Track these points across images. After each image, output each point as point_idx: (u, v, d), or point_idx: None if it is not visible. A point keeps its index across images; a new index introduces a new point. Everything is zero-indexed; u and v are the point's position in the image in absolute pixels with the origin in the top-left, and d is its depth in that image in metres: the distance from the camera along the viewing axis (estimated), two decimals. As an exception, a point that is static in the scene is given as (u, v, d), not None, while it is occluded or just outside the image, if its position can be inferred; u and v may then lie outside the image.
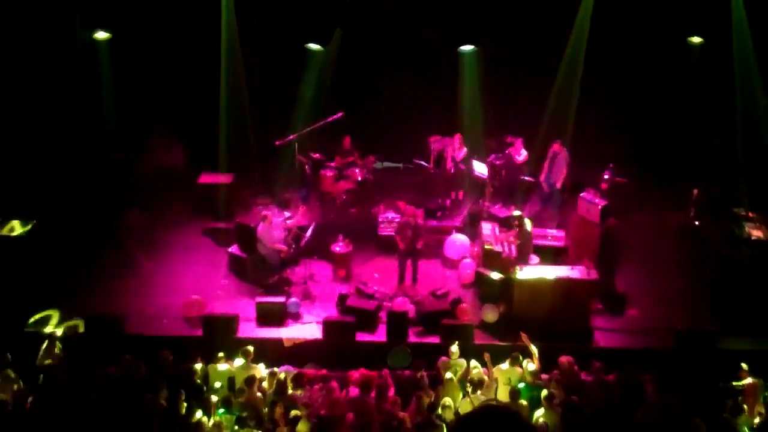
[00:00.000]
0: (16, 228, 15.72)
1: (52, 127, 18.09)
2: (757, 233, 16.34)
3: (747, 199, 17.30)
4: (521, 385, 12.63)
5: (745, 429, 12.00)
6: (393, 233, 16.47)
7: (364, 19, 18.74)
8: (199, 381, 12.81)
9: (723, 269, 16.14)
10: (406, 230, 16.06)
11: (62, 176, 18.06)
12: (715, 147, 18.60)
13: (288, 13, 18.34)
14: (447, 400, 11.96)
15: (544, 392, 12.09)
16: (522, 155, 17.94)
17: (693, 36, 18.20)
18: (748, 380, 12.87)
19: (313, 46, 17.74)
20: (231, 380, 12.72)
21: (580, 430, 11.60)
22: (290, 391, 12.45)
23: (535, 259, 15.92)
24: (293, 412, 11.67)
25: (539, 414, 11.82)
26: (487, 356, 13.12)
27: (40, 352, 13.47)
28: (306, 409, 11.97)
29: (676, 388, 12.73)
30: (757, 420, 12.29)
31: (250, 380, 12.43)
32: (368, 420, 11.70)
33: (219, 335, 14.43)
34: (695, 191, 17.76)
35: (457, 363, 13.23)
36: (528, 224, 15.90)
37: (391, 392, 12.60)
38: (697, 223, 17.60)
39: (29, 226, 15.83)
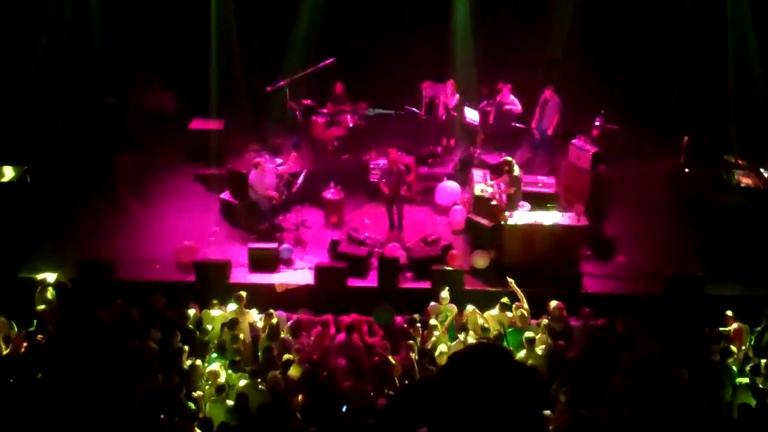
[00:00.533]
0: (7, 173, 15.67)
1: (41, 71, 17.94)
2: (746, 180, 16.43)
3: (737, 146, 17.33)
4: (509, 330, 12.80)
5: (734, 369, 12.20)
6: (376, 180, 16.51)
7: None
8: (191, 326, 12.94)
9: (712, 216, 16.23)
10: (391, 177, 16.10)
11: (53, 121, 17.96)
12: (709, 93, 18.56)
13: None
14: (442, 347, 12.12)
15: (527, 334, 12.27)
16: (510, 101, 17.87)
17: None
18: (734, 325, 13.07)
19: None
20: (231, 323, 12.82)
21: (565, 374, 11.79)
22: (283, 335, 12.59)
23: (526, 205, 15.98)
24: (286, 356, 11.83)
25: (521, 356, 11.99)
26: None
27: (35, 298, 13.56)
28: (298, 353, 12.12)
29: (663, 333, 12.94)
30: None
31: (233, 323, 12.57)
32: (359, 364, 11.87)
33: (211, 281, 14.53)
34: (686, 138, 17.76)
35: (446, 308, 13.37)
36: (517, 169, 15.95)
37: (379, 337, 12.78)
38: (687, 169, 17.64)
39: (20, 172, 15.76)
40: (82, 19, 18.23)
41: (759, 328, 13.13)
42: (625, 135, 18.09)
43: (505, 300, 13.42)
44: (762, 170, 16.62)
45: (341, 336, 12.68)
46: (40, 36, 17.97)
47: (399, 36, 19.21)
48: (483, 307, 13.48)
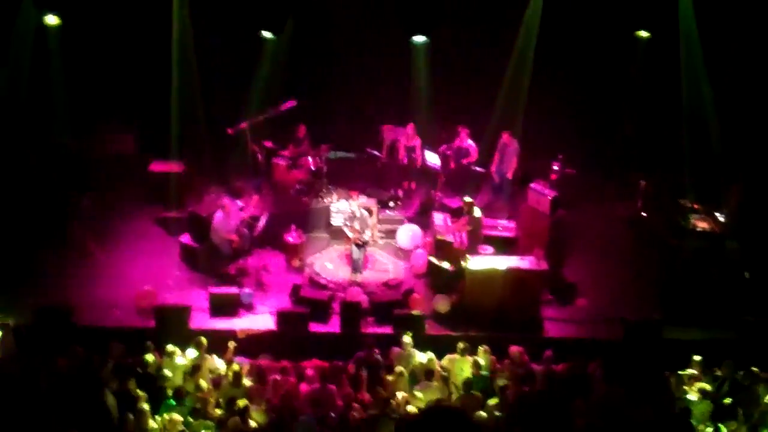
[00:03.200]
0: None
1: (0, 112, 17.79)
2: (702, 224, 16.64)
3: (693, 190, 17.62)
4: (465, 376, 12.82)
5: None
6: (342, 224, 16.54)
7: (317, 8, 18.74)
8: (152, 372, 12.78)
9: (669, 260, 16.45)
10: (354, 221, 16.17)
11: (12, 162, 17.75)
12: (664, 138, 18.87)
13: (241, 0, 18.22)
14: (400, 395, 12.09)
15: (500, 382, 12.28)
16: (467, 145, 18.04)
17: (640, 30, 18.41)
18: (693, 371, 13.18)
19: (266, 35, 17.64)
20: (193, 369, 12.68)
21: (530, 419, 11.82)
22: (245, 382, 12.47)
23: (488, 249, 16.09)
24: (241, 402, 11.69)
25: (493, 403, 12.00)
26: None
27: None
28: (262, 401, 12.01)
29: (623, 377, 13.04)
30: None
31: (195, 369, 12.45)
32: (326, 411, 11.81)
33: (171, 326, 14.35)
34: (642, 183, 18.05)
35: (410, 354, 13.35)
36: (477, 211, 16.10)
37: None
38: (644, 214, 17.91)
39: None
40: (41, 60, 18.09)
41: (719, 372, 13.23)
42: (583, 179, 18.35)
43: (462, 345, 13.44)
44: (717, 214, 16.90)
45: (312, 382, 12.58)
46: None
47: (360, 79, 19.36)
48: (444, 351, 13.50)
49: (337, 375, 13.02)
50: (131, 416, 11.35)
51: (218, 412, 11.92)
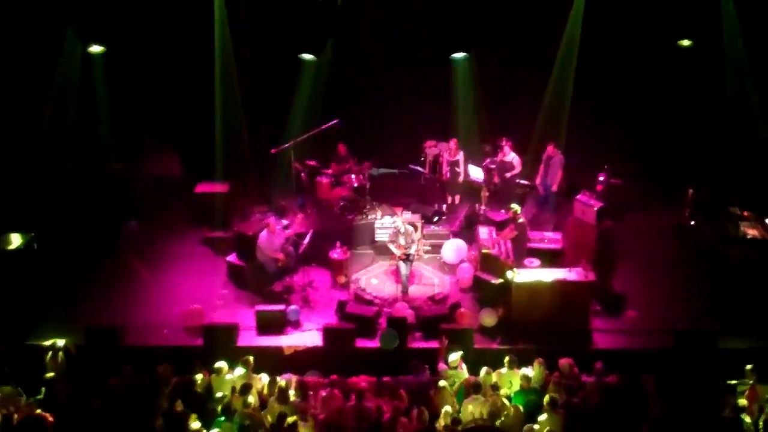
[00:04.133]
0: (15, 241, 15.70)
1: (49, 139, 18.12)
2: (752, 232, 16.43)
3: (741, 198, 17.38)
4: (515, 392, 12.70)
5: (749, 424, 12.03)
6: (387, 240, 16.55)
7: (356, 27, 18.88)
8: (201, 391, 12.84)
9: (720, 269, 16.22)
10: (399, 236, 16.17)
11: (60, 188, 18.09)
12: (712, 145, 18.65)
13: (281, 23, 18.40)
14: (446, 408, 12.00)
15: (547, 397, 12.13)
16: (510, 158, 17.96)
17: (682, 39, 18.21)
18: (750, 382, 12.91)
19: (306, 56, 17.79)
20: (243, 388, 12.70)
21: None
22: (292, 399, 12.47)
23: (535, 261, 15.97)
24: (290, 419, 11.69)
25: (542, 419, 11.87)
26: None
27: (46, 364, 13.50)
28: (310, 416, 12.00)
29: (676, 388, 12.81)
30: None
31: (246, 388, 12.50)
32: (372, 427, 11.77)
33: (219, 345, 14.42)
34: (690, 191, 17.82)
35: (456, 374, 13.24)
36: (521, 218, 16.04)
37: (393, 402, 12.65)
38: (692, 222, 17.66)
39: (27, 239, 15.79)
40: (88, 86, 18.43)
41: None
42: (629, 189, 18.18)
43: (509, 358, 13.33)
44: (767, 221, 16.63)
45: (352, 401, 12.56)
46: (44, 105, 18.16)
47: (401, 96, 19.47)
48: (493, 365, 13.38)
49: (385, 390, 12.97)
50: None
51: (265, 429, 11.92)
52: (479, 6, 16.42)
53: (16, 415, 12.10)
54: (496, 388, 12.57)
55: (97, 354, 14.17)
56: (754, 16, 17.71)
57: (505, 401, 12.34)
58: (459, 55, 17.87)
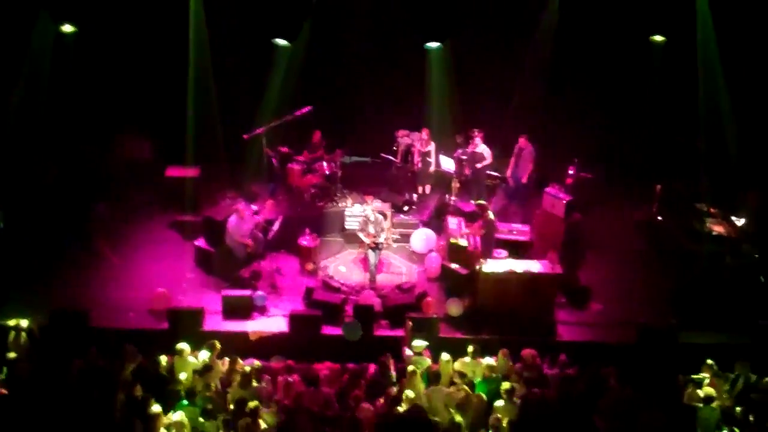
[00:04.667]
0: (-19, 220, 15.61)
1: (19, 120, 17.96)
2: (718, 229, 16.60)
3: (709, 195, 17.53)
4: (478, 380, 12.78)
5: (711, 420, 12.17)
6: (357, 228, 16.58)
7: (331, 14, 18.83)
8: (164, 373, 12.83)
9: (685, 264, 16.36)
10: (369, 225, 16.20)
11: (29, 169, 17.92)
12: (680, 143, 18.78)
13: (256, 8, 18.33)
14: (408, 393, 12.07)
15: (505, 385, 12.23)
16: (481, 149, 18.00)
17: (655, 35, 18.32)
18: (708, 376, 13.07)
19: (281, 42, 17.72)
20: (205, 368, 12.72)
21: (540, 423, 11.77)
22: (254, 384, 12.48)
23: (503, 253, 16.06)
24: (252, 403, 11.72)
25: (499, 405, 11.98)
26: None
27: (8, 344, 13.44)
28: (271, 402, 12.03)
29: (637, 381, 12.94)
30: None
31: (206, 369, 12.51)
32: (332, 414, 11.83)
33: (185, 328, 14.41)
34: (658, 187, 17.96)
35: (419, 360, 13.31)
36: (491, 214, 16.08)
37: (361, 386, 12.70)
38: (660, 218, 17.82)
39: (-6, 218, 15.71)
40: (60, 67, 18.27)
41: (732, 375, 13.13)
42: (598, 183, 18.29)
43: (472, 347, 13.41)
44: (734, 219, 16.81)
45: (322, 384, 12.62)
46: (16, 86, 18.00)
47: (375, 85, 19.43)
48: (458, 355, 13.48)
49: (352, 377, 13.04)
50: (139, 421, 11.42)
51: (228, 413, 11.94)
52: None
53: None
54: (463, 375, 12.66)
55: (62, 335, 14.09)
56: (728, 13, 17.80)
57: (468, 389, 12.41)
58: (434, 44, 17.92)
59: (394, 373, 13.05)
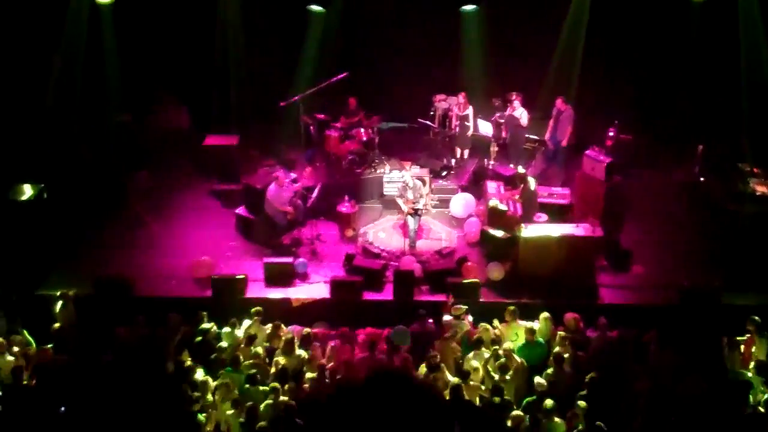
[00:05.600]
0: (27, 192, 15.76)
1: (58, 90, 18.09)
2: (761, 188, 16.37)
3: (751, 154, 17.29)
4: (519, 345, 12.77)
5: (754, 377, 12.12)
6: (396, 194, 16.59)
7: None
8: (210, 341, 12.98)
9: (728, 225, 16.17)
10: (408, 191, 16.20)
11: (69, 140, 18.09)
12: (722, 102, 18.46)
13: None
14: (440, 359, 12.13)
15: (557, 350, 12.22)
16: (519, 112, 17.86)
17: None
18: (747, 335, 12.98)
19: (315, 8, 17.65)
20: (249, 339, 12.85)
21: (584, 385, 11.77)
22: (297, 350, 12.59)
23: (543, 216, 15.98)
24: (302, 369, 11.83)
25: (549, 372, 11.98)
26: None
27: (55, 314, 13.64)
28: (316, 367, 12.14)
29: (680, 343, 12.87)
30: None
31: (251, 339, 12.65)
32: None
33: (228, 296, 14.58)
34: (700, 147, 17.75)
35: (459, 324, 13.33)
36: (532, 183, 15.97)
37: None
38: (702, 179, 17.61)
39: (38, 190, 15.84)
40: (96, 37, 18.35)
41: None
42: (639, 145, 18.16)
43: (511, 308, 13.39)
44: (777, 178, 16.60)
45: (362, 353, 12.68)
46: (54, 57, 18.10)
47: (410, 49, 19.31)
48: (500, 319, 13.49)
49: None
50: (187, 388, 11.58)
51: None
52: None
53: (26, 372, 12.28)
54: (496, 342, 12.67)
55: (107, 304, 14.29)
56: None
57: (514, 355, 12.40)
58: (469, 7, 17.74)
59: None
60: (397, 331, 13.26)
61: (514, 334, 13.09)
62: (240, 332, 13.26)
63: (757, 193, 16.26)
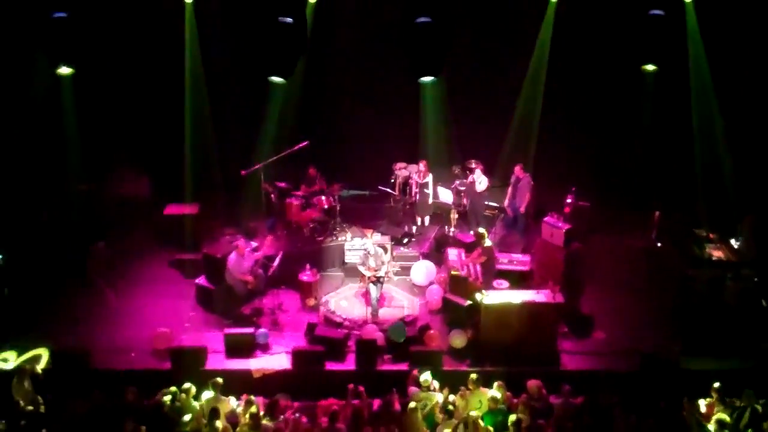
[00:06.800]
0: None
1: (16, 160, 17.98)
2: (717, 254, 16.59)
3: (707, 220, 17.59)
4: (485, 413, 12.71)
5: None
6: (357, 262, 16.59)
7: (326, 50, 18.96)
8: (169, 414, 12.75)
9: (685, 290, 16.34)
10: (369, 258, 16.21)
11: (27, 210, 17.93)
12: (677, 169, 18.77)
13: (251, 46, 18.40)
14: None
15: (512, 417, 12.18)
16: (478, 180, 18.08)
17: (647, 64, 18.36)
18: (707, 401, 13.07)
19: (276, 79, 17.78)
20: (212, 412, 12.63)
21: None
22: (263, 422, 12.41)
23: (504, 283, 16.06)
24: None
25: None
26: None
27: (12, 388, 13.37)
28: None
29: (642, 409, 12.91)
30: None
31: (214, 413, 12.44)
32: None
33: (187, 367, 14.38)
34: (656, 214, 18.05)
35: (428, 396, 13.20)
36: (488, 241, 16.21)
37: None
38: (659, 245, 17.88)
39: (-4, 259, 15.67)
40: (56, 106, 18.32)
41: (738, 402, 13.06)
42: (597, 211, 18.36)
43: (474, 376, 13.32)
44: (733, 243, 16.84)
45: (325, 420, 12.54)
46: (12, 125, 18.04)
47: (370, 118, 19.56)
48: (461, 387, 13.43)
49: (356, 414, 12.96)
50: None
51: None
52: (448, 31, 16.50)
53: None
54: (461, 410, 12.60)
55: (64, 377, 14.02)
56: (719, 42, 17.96)
57: (480, 422, 12.31)
58: (427, 78, 17.97)
59: (398, 409, 12.98)
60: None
61: (478, 402, 13.03)
62: (196, 403, 13.04)
63: (714, 258, 16.48)
